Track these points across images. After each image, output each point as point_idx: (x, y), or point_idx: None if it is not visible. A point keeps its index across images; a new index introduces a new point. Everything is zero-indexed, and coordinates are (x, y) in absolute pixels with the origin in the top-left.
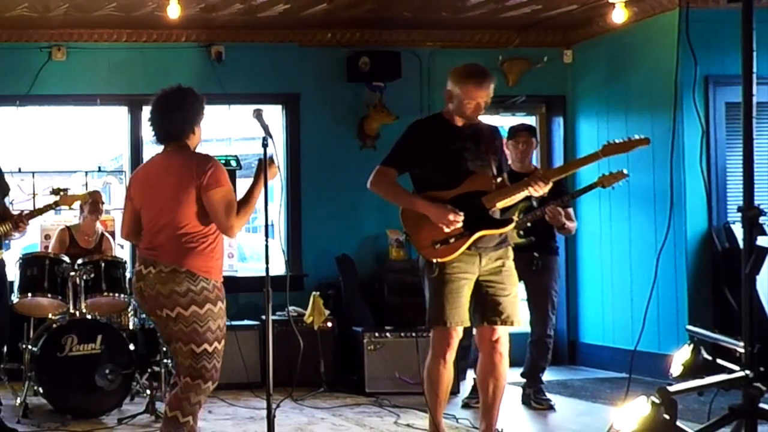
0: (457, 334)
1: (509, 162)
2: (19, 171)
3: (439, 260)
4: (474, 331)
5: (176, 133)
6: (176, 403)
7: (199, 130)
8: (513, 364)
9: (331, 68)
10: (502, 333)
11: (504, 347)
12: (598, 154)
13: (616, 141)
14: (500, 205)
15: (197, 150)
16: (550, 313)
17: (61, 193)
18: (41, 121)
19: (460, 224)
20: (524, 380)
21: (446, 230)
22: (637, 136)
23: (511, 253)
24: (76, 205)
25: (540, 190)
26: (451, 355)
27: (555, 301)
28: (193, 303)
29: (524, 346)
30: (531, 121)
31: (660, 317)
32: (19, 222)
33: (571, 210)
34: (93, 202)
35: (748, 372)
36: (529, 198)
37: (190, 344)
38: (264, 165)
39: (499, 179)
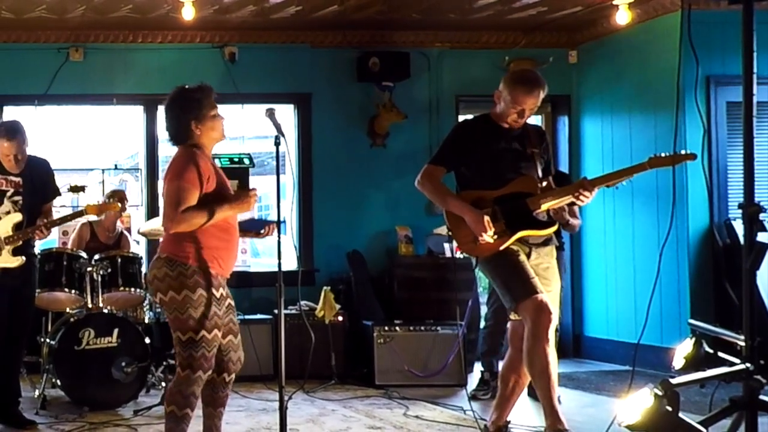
0: (551, 305)
1: None
2: None
3: (483, 255)
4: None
5: (173, 138)
6: (170, 396)
7: (201, 125)
8: None
9: (342, 68)
10: None
11: (554, 329)
12: (644, 166)
13: (662, 154)
14: (544, 207)
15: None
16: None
17: (81, 192)
18: (59, 120)
19: (489, 235)
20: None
21: (480, 239)
22: (684, 151)
23: (554, 252)
24: (99, 200)
25: (585, 199)
26: (552, 332)
27: (561, 295)
28: (170, 288)
29: None
30: (536, 120)
31: (663, 311)
32: (39, 230)
33: (576, 207)
34: (118, 200)
35: (748, 365)
36: None
37: (177, 332)
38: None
39: (544, 183)
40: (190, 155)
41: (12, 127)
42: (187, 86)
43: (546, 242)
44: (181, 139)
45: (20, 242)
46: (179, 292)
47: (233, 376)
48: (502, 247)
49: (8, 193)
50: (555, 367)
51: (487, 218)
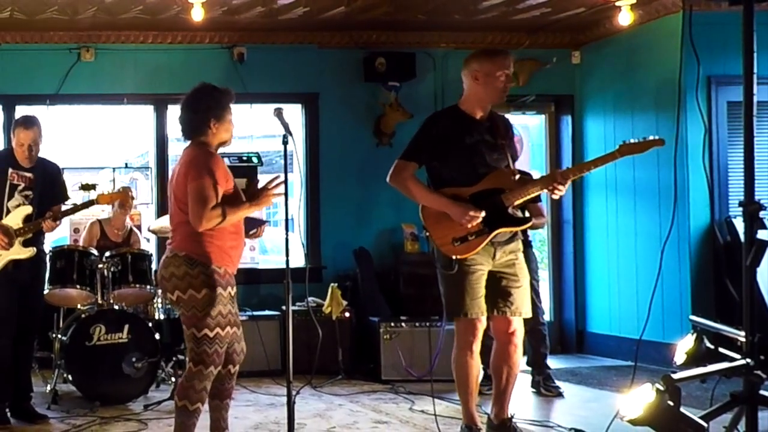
0: (482, 325)
1: None
2: None
3: (459, 257)
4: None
5: (189, 131)
6: (183, 392)
7: (218, 125)
8: None
9: (349, 69)
10: (518, 325)
11: (519, 339)
12: (615, 155)
13: (633, 141)
14: (518, 202)
15: (224, 145)
16: (537, 301)
17: (92, 190)
18: (70, 119)
19: (479, 221)
20: (531, 368)
21: (469, 228)
22: (652, 137)
23: (521, 246)
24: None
25: (558, 192)
26: (477, 346)
27: (538, 289)
28: (191, 287)
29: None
30: (540, 119)
31: (664, 308)
32: (50, 219)
33: (541, 204)
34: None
35: (748, 360)
36: None
37: (192, 328)
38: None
39: (517, 176)
40: (210, 154)
41: (29, 118)
42: (213, 84)
43: (510, 239)
44: (195, 134)
45: (30, 234)
46: (199, 290)
47: (238, 367)
48: (481, 246)
49: (19, 188)
50: (477, 374)
51: (471, 206)
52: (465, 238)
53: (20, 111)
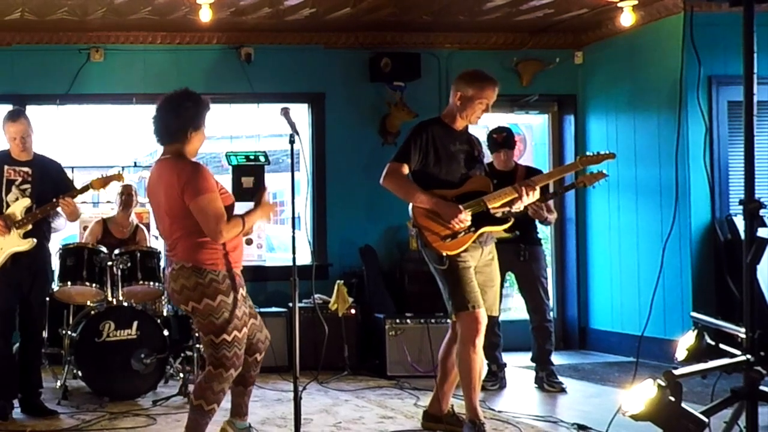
0: (483, 318)
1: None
2: None
3: (449, 253)
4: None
5: (167, 135)
6: (200, 392)
7: (194, 134)
8: (520, 349)
9: (355, 69)
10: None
11: (482, 338)
12: (576, 164)
13: (590, 154)
14: (497, 205)
15: (196, 156)
16: (544, 299)
17: (101, 189)
18: (80, 119)
19: (468, 222)
20: (535, 364)
21: (456, 227)
22: (605, 152)
23: (494, 248)
24: (113, 197)
25: (528, 198)
26: (480, 341)
27: (546, 287)
28: (204, 296)
29: (528, 332)
30: (543, 119)
31: (666, 304)
32: (54, 206)
33: (551, 202)
34: (126, 195)
35: (749, 356)
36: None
37: (210, 335)
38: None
39: (495, 180)
40: (198, 165)
41: (14, 112)
42: (194, 91)
43: (489, 240)
44: (171, 140)
45: (30, 225)
46: (214, 298)
47: (264, 354)
48: (468, 243)
49: (17, 182)
50: (480, 369)
51: (461, 207)
52: (454, 235)
53: (31, 110)
